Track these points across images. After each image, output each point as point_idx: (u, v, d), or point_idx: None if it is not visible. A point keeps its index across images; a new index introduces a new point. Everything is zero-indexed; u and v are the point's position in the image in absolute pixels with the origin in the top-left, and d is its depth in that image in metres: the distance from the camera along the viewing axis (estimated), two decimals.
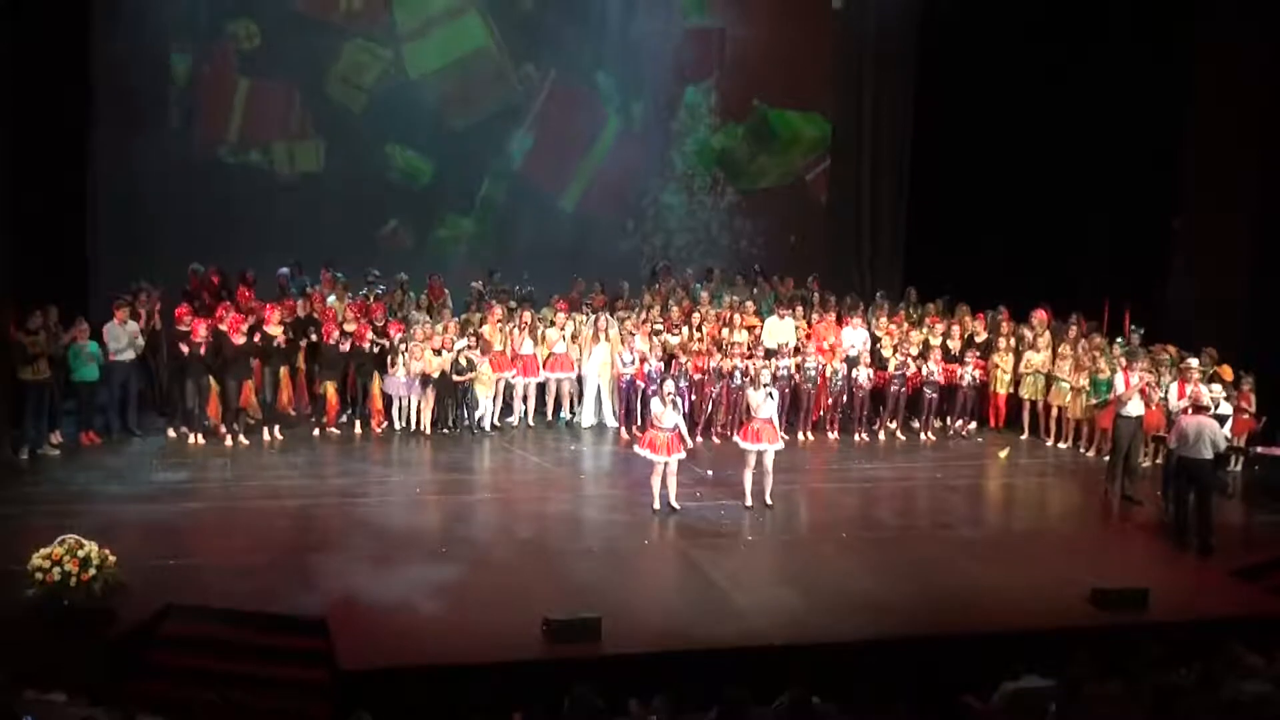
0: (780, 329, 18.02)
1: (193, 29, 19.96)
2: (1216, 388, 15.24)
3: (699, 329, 17.63)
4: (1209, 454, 13.35)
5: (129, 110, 18.80)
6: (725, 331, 17.66)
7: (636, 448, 14.06)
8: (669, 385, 13.94)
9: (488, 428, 16.83)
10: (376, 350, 16.40)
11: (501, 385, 17.00)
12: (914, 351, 17.65)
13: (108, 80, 18.32)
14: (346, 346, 16.27)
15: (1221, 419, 14.49)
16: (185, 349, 15.40)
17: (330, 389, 16.25)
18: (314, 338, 16.31)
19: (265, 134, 20.76)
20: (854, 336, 17.99)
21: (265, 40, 20.39)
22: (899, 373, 17.48)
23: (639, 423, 16.71)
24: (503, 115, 21.71)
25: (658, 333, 17.36)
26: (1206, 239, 18.36)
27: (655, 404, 13.85)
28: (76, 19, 17.45)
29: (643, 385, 16.52)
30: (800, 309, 18.74)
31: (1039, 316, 18.15)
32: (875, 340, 18.10)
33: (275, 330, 15.94)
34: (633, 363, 16.66)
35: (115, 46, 18.44)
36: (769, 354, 17.02)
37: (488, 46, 21.51)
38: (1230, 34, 18.17)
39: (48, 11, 16.56)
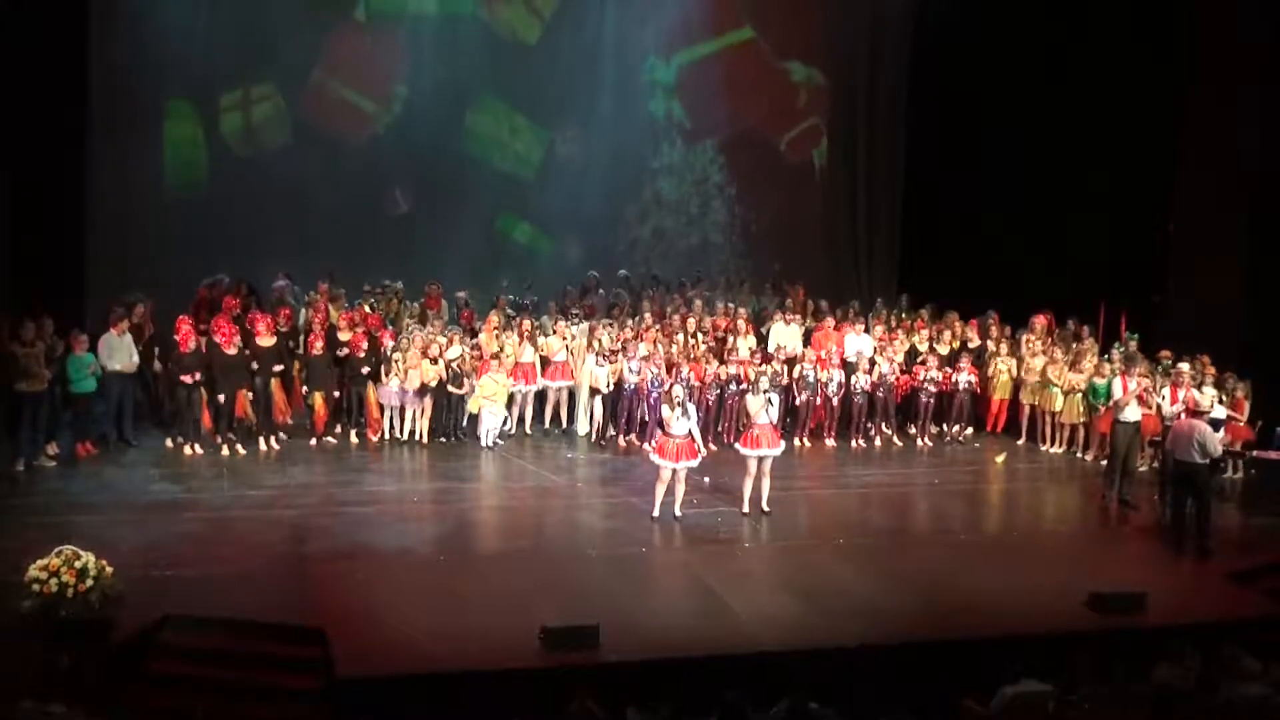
0: (786, 335, 18.02)
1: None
2: (1210, 392, 15.26)
3: (694, 335, 17.65)
4: (1200, 458, 13.36)
5: (126, 118, 18.76)
6: (730, 338, 17.67)
7: (650, 453, 14.00)
8: (678, 391, 13.87)
9: (491, 443, 16.61)
10: (370, 359, 16.38)
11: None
12: (899, 359, 17.70)
13: (105, 87, 18.31)
14: (337, 355, 16.27)
15: (1216, 423, 14.50)
16: (182, 372, 15.45)
17: (318, 399, 16.23)
18: (298, 348, 16.20)
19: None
20: (857, 343, 18.00)
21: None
22: (892, 379, 17.49)
23: (637, 430, 16.75)
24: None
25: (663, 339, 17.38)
26: (1203, 243, 18.39)
27: (665, 410, 13.75)
28: (74, 25, 17.45)
29: (646, 392, 16.50)
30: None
31: (1040, 322, 18.19)
32: (875, 348, 18.11)
33: (267, 341, 15.92)
34: (638, 370, 16.64)
35: (113, 53, 18.42)
36: (766, 358, 17.07)
37: None
38: (1228, 36, 18.21)
39: (45, 18, 16.55)
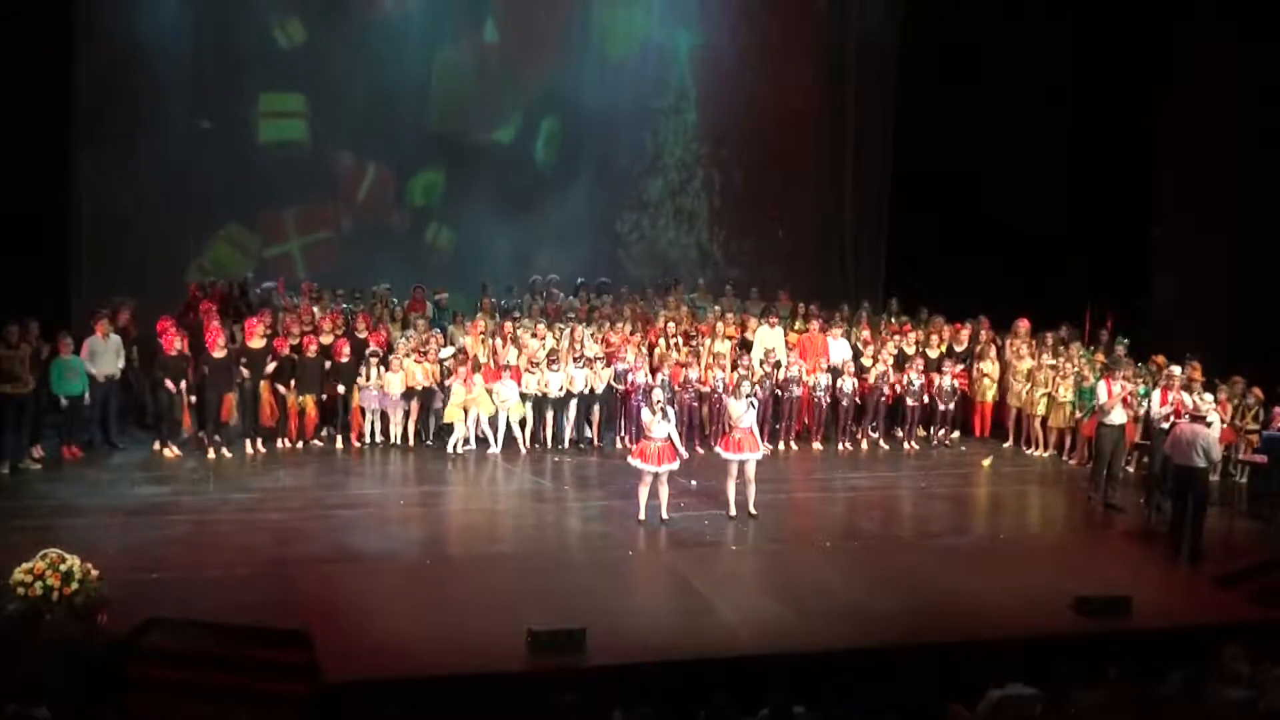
0: (770, 337, 18.02)
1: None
2: (1209, 396, 15.18)
3: (676, 339, 17.65)
4: (1203, 462, 13.30)
5: (110, 122, 18.66)
6: (708, 342, 17.68)
7: (629, 457, 14.04)
8: (657, 394, 13.86)
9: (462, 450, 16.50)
10: (354, 362, 16.33)
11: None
12: (890, 361, 17.72)
13: (89, 90, 18.24)
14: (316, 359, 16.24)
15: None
16: (168, 376, 15.42)
17: (309, 402, 16.18)
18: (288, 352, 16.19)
19: None
20: (839, 347, 18.01)
21: None
22: (880, 383, 17.51)
23: (622, 433, 16.75)
24: None
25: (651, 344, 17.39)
26: (1187, 246, 18.44)
27: (645, 413, 13.80)
28: (58, 30, 17.39)
29: (632, 395, 16.49)
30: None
31: (1023, 325, 18.22)
32: (858, 351, 18.13)
33: (258, 344, 15.88)
34: (627, 373, 16.62)
35: (97, 57, 18.35)
36: (762, 362, 17.08)
37: None
38: (1209, 42, 18.29)
39: (29, 22, 16.50)
